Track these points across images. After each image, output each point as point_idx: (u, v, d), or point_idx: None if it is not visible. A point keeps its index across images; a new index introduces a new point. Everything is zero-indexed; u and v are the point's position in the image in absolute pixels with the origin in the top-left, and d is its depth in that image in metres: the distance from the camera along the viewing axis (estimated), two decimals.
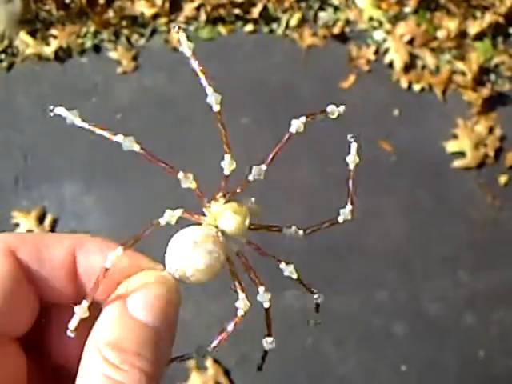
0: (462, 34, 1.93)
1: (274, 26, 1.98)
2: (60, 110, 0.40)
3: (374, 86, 1.87)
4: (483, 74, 1.90)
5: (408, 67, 1.89)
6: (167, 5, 2.01)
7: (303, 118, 0.41)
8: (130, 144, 0.38)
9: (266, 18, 1.99)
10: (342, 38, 1.96)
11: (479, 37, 1.92)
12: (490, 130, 1.81)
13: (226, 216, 0.38)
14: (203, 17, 1.99)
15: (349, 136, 0.43)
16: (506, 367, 1.56)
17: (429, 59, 1.90)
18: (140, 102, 1.84)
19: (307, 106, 1.82)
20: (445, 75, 1.87)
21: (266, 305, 0.38)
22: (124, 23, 2.00)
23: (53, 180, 1.75)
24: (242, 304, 0.37)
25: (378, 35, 1.95)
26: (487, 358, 1.56)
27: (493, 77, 1.90)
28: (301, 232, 0.40)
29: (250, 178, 0.41)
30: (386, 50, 1.92)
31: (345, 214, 0.42)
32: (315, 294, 0.42)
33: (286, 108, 1.80)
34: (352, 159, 0.43)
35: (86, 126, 0.39)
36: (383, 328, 1.58)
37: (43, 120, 1.83)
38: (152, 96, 1.86)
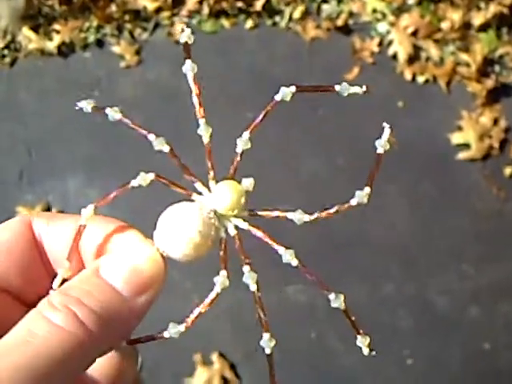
0: (466, 25, 1.92)
1: (277, 18, 1.97)
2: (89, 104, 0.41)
3: (377, 77, 1.87)
4: (488, 66, 1.89)
5: (412, 59, 1.89)
6: None
7: (293, 88, 0.40)
8: (159, 144, 0.38)
9: (269, 10, 1.98)
10: (346, 30, 1.95)
11: (483, 28, 1.91)
12: (495, 122, 1.80)
13: (219, 193, 0.37)
14: (206, 10, 1.98)
15: (384, 123, 0.42)
16: None
17: (433, 51, 1.89)
18: (143, 96, 1.84)
19: (311, 98, 1.81)
20: (449, 67, 1.87)
21: (253, 287, 0.36)
22: (127, 17, 2.00)
23: (57, 174, 1.75)
24: (221, 280, 0.35)
25: (382, 27, 1.95)
26: (492, 351, 1.56)
27: (497, 68, 1.90)
28: (306, 216, 0.38)
29: (238, 150, 0.39)
30: (390, 42, 1.91)
31: (361, 196, 0.40)
32: (361, 335, 0.40)
33: (290, 101, 1.79)
34: (382, 143, 0.42)
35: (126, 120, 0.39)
36: (388, 321, 1.58)
37: (46, 115, 1.83)
38: (155, 90, 1.86)
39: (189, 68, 0.40)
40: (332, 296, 0.38)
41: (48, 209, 1.70)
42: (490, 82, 1.84)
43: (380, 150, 0.41)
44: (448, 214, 1.70)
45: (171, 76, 1.88)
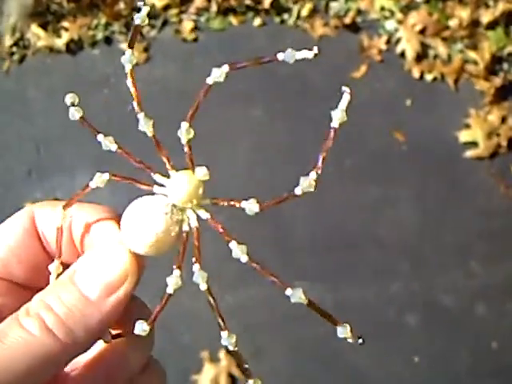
0: (475, 23, 1.91)
1: (285, 16, 1.97)
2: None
3: (385, 75, 1.86)
4: (496, 63, 1.89)
5: (420, 57, 1.88)
6: None
7: (226, 67, 0.39)
8: (108, 143, 0.39)
9: (277, 8, 1.98)
10: (354, 27, 1.95)
11: (492, 26, 1.91)
12: (503, 120, 1.80)
13: (175, 186, 0.36)
14: (214, 7, 1.99)
15: (343, 87, 0.36)
16: None
17: (441, 49, 1.89)
18: (151, 93, 1.84)
19: (319, 96, 1.81)
20: (457, 64, 1.86)
21: (203, 287, 0.35)
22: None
23: (65, 171, 1.75)
24: (174, 281, 0.35)
25: (390, 25, 1.94)
26: (500, 350, 1.56)
27: (505, 66, 1.89)
28: (256, 206, 0.35)
29: (183, 141, 0.37)
30: (398, 40, 1.91)
31: (306, 183, 0.35)
32: (339, 325, 0.38)
33: (297, 99, 1.80)
34: (338, 115, 0.37)
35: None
36: (396, 319, 1.58)
37: (55, 112, 1.83)
38: (163, 87, 1.86)
39: (127, 60, 0.41)
40: (289, 291, 0.36)
41: None
42: (498, 80, 1.84)
43: (335, 124, 0.37)
44: (456, 212, 1.70)
45: (179, 73, 1.88)
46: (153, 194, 0.37)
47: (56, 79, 1.91)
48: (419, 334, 1.58)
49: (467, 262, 1.64)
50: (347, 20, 1.95)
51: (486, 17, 1.91)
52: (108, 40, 1.97)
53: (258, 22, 1.97)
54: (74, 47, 1.96)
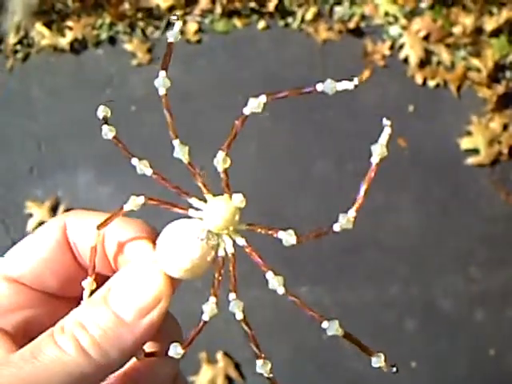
0: (478, 31, 1.92)
1: (290, 19, 1.98)
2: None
3: (388, 81, 1.87)
4: (498, 71, 1.89)
5: (423, 63, 1.89)
6: None
7: (263, 97, 0.37)
8: (143, 167, 0.38)
9: (282, 11, 1.99)
10: (358, 32, 1.95)
11: (495, 33, 1.91)
12: (505, 127, 1.80)
13: (211, 212, 0.36)
14: (219, 10, 1.99)
15: (384, 119, 0.34)
16: None
17: (444, 55, 1.89)
18: (155, 94, 1.83)
19: (322, 100, 1.81)
20: (460, 71, 1.87)
21: (239, 316, 0.36)
22: (139, 15, 2.00)
23: (67, 170, 1.75)
24: (210, 308, 0.36)
25: (394, 30, 1.95)
26: (498, 356, 1.56)
27: (508, 74, 1.89)
28: (293, 238, 0.35)
29: (219, 169, 0.37)
30: (402, 46, 1.91)
31: (344, 220, 0.35)
32: (374, 355, 0.37)
33: (301, 103, 1.80)
34: (378, 151, 0.35)
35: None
36: (394, 323, 1.59)
37: (58, 110, 1.84)
38: (167, 88, 1.86)
39: (161, 83, 0.40)
40: (325, 324, 0.36)
41: (57, 203, 1.71)
42: (500, 88, 1.84)
43: (375, 159, 0.35)
44: (456, 218, 1.70)
45: (183, 75, 1.88)
46: (188, 217, 0.37)
47: (59, 78, 1.92)
48: (417, 339, 1.58)
49: (467, 267, 1.64)
50: (351, 25, 1.95)
51: (489, 24, 1.91)
52: (112, 40, 1.97)
53: (262, 24, 1.97)
54: (77, 46, 1.96)
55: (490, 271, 1.64)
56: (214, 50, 1.95)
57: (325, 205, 1.66)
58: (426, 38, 1.91)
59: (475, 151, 1.77)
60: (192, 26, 1.97)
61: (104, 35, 1.98)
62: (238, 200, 0.36)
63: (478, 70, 1.87)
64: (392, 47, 1.92)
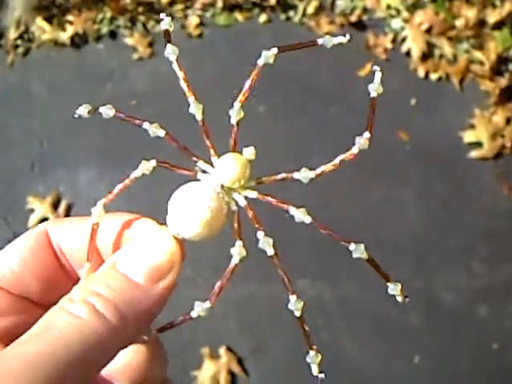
0: (481, 23, 1.91)
1: (291, 13, 1.97)
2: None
3: (390, 74, 1.86)
4: (501, 64, 1.88)
5: (425, 56, 1.88)
6: None
7: (275, 49, 0.40)
8: (155, 129, 0.38)
9: (283, 5, 1.98)
10: (360, 26, 1.95)
11: (498, 26, 1.90)
12: (508, 121, 1.79)
13: (223, 167, 0.37)
14: (220, 3, 1.98)
15: (374, 66, 0.39)
16: None
17: (446, 48, 1.89)
18: (156, 88, 1.84)
19: (324, 93, 1.81)
20: (462, 64, 1.86)
21: (270, 252, 0.36)
22: (140, 9, 2.00)
23: (68, 165, 1.75)
24: (238, 250, 0.35)
25: (396, 23, 1.94)
26: (501, 351, 1.55)
27: (511, 66, 1.89)
28: (311, 172, 0.38)
29: (233, 121, 0.38)
30: (404, 39, 1.90)
31: (360, 143, 0.37)
32: (391, 282, 0.40)
33: (302, 96, 1.79)
34: (375, 87, 0.39)
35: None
36: (397, 318, 1.58)
37: (58, 105, 1.83)
38: (168, 83, 1.85)
39: (170, 52, 0.41)
40: (352, 246, 0.39)
41: (59, 199, 1.71)
42: (503, 81, 1.83)
43: (373, 94, 0.39)
44: (459, 212, 1.70)
45: (184, 68, 1.87)
46: (195, 180, 0.37)
47: (60, 73, 1.91)
48: (420, 334, 1.58)
49: (470, 262, 1.63)
50: (353, 18, 1.95)
51: (492, 17, 1.90)
52: (113, 34, 1.97)
53: (263, 18, 1.96)
54: (78, 41, 1.96)
55: (492, 266, 1.63)
56: (215, 44, 1.94)
57: (325, 201, 1.66)
58: (429, 30, 1.91)
59: (478, 145, 1.76)
60: (193, 20, 1.96)
61: (105, 29, 1.97)
62: (249, 153, 0.38)
63: (481, 63, 1.86)
64: (394, 40, 1.92)
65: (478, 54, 1.87)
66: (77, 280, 0.37)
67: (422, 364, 1.54)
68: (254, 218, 0.37)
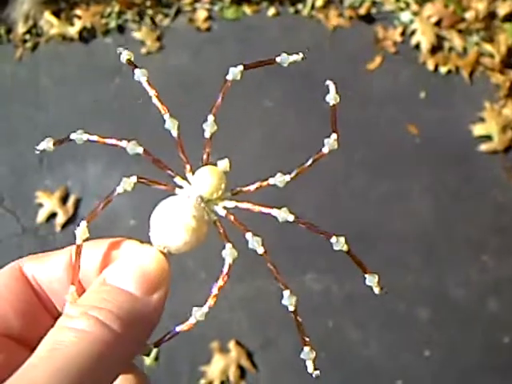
0: (491, 15, 1.90)
1: (300, 6, 1.96)
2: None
3: (400, 67, 1.85)
4: (511, 57, 1.87)
5: (435, 49, 1.87)
6: None
7: (240, 67, 0.41)
8: (132, 148, 0.40)
9: None
10: (369, 19, 1.94)
11: (508, 18, 1.89)
12: None
13: (199, 180, 0.37)
14: None
15: (327, 81, 0.41)
16: None
17: (456, 41, 1.88)
18: (164, 82, 1.83)
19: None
20: (472, 57, 1.85)
21: (260, 250, 0.36)
22: (148, 3, 2.00)
23: (76, 160, 1.75)
24: (229, 251, 0.36)
25: (405, 16, 1.93)
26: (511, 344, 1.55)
27: None
28: (287, 176, 0.39)
29: (206, 135, 0.39)
30: (413, 32, 1.89)
31: (329, 143, 0.39)
32: (368, 274, 0.41)
33: (310, 90, 1.79)
34: (332, 97, 0.40)
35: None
36: (407, 312, 1.58)
37: (67, 99, 1.83)
38: (176, 76, 1.86)
39: (140, 75, 0.42)
40: (333, 239, 0.39)
41: (67, 194, 1.71)
42: None
43: (332, 102, 0.40)
44: (469, 206, 1.69)
45: (192, 62, 1.87)
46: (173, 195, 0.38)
47: (68, 67, 1.91)
48: (430, 328, 1.57)
49: (480, 255, 1.63)
50: (362, 11, 1.94)
51: (502, 9, 1.89)
52: (121, 28, 1.97)
53: (272, 11, 1.96)
54: (86, 35, 1.96)
55: (502, 260, 1.63)
56: (223, 38, 1.94)
57: (332, 193, 1.65)
58: (438, 23, 1.90)
59: (488, 138, 1.75)
60: (201, 14, 1.96)
61: (113, 24, 1.97)
62: (224, 165, 0.39)
63: (491, 56, 1.85)
64: (403, 33, 1.91)
65: (488, 47, 1.86)
66: (57, 315, 0.36)
67: (432, 357, 1.54)
68: (236, 223, 0.37)
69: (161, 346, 0.37)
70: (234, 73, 0.41)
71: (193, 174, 0.38)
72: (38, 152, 0.42)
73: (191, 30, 1.95)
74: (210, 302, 0.36)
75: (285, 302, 0.38)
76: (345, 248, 0.39)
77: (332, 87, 0.41)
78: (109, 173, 1.73)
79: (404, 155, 1.73)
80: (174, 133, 0.39)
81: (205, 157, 0.39)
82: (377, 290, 0.40)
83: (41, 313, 0.37)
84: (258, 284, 1.54)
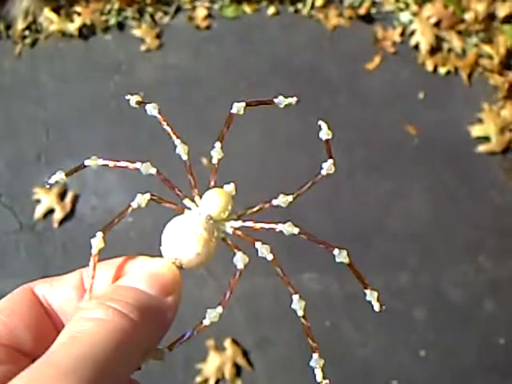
0: (490, 17, 1.90)
1: (300, 5, 1.96)
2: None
3: (399, 68, 1.85)
4: (510, 58, 1.87)
5: (434, 50, 1.87)
6: None
7: (243, 103, 0.43)
8: (146, 169, 0.41)
9: None
10: (368, 19, 1.94)
11: (508, 20, 1.89)
12: None
13: (207, 200, 0.39)
14: None
15: (319, 121, 0.45)
16: None
17: (455, 42, 1.88)
18: (163, 80, 1.83)
19: (331, 87, 1.80)
20: (471, 58, 1.85)
21: (269, 257, 0.38)
22: (148, 1, 1.99)
23: (74, 157, 1.75)
24: (240, 258, 0.38)
25: (405, 17, 1.93)
26: (508, 346, 1.55)
27: None
28: (290, 197, 0.41)
29: (214, 161, 0.41)
30: (412, 32, 1.90)
31: (327, 167, 0.43)
32: (368, 289, 0.41)
33: (310, 89, 1.79)
34: (325, 133, 0.44)
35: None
36: (403, 312, 1.58)
37: (66, 96, 1.83)
38: (175, 74, 1.86)
39: (151, 109, 0.43)
40: (336, 251, 0.39)
41: (65, 190, 1.71)
42: None
43: (326, 137, 0.44)
44: (466, 207, 1.69)
45: (191, 60, 1.87)
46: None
47: (68, 64, 1.91)
48: (426, 328, 1.57)
49: (477, 256, 1.63)
50: (361, 11, 1.94)
51: (502, 10, 1.89)
52: (120, 25, 1.97)
53: (271, 10, 1.96)
54: (86, 32, 1.96)
55: (499, 260, 1.63)
56: (223, 36, 1.94)
57: (332, 193, 1.66)
58: (437, 24, 1.90)
59: (486, 139, 1.76)
60: (201, 12, 1.96)
61: (112, 20, 1.97)
62: (230, 188, 0.41)
63: (490, 57, 1.85)
64: (402, 34, 1.91)
65: (487, 48, 1.86)
66: None
67: (428, 358, 1.54)
68: (244, 237, 0.39)
69: (173, 348, 0.38)
70: (238, 107, 0.43)
71: (200, 197, 0.40)
72: (48, 186, 0.43)
73: (191, 27, 1.95)
74: (224, 302, 0.37)
75: (294, 306, 0.39)
76: (346, 261, 0.39)
77: (324, 125, 0.44)
78: (106, 169, 1.73)
79: (402, 155, 1.73)
80: (184, 157, 0.41)
81: (212, 183, 0.41)
82: (376, 307, 0.40)
83: (51, 330, 0.38)
84: (254, 282, 1.54)
